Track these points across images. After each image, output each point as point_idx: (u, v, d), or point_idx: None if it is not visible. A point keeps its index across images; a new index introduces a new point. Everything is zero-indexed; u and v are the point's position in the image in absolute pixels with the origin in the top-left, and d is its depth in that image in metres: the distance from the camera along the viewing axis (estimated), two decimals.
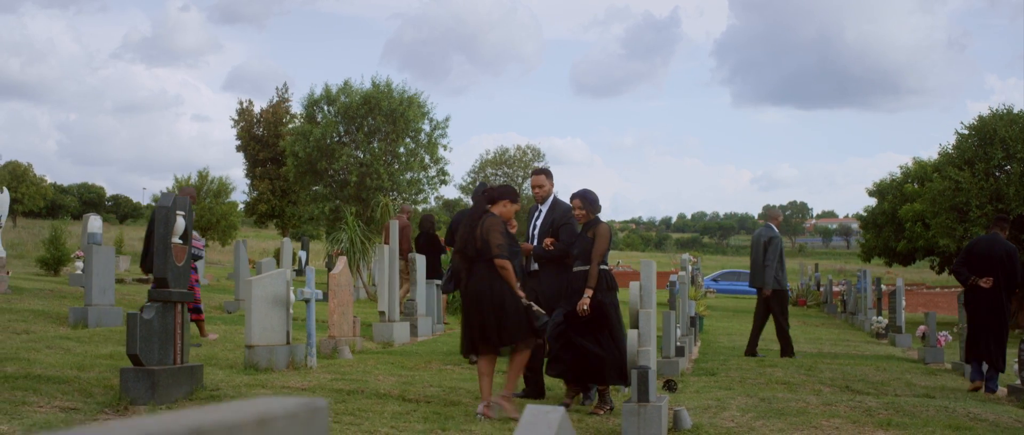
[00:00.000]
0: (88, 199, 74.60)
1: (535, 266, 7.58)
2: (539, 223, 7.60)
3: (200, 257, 10.90)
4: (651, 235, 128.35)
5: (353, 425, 6.10)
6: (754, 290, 12.24)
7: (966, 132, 18.90)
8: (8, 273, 14.58)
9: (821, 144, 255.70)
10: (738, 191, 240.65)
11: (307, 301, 8.63)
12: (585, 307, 6.83)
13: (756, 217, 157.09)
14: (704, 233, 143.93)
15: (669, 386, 8.67)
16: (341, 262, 9.97)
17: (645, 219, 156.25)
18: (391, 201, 19.15)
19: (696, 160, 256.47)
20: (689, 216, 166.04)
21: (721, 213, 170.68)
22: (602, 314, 6.98)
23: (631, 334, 6.36)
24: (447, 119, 25.60)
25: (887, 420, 7.20)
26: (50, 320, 11.55)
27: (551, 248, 7.35)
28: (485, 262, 6.48)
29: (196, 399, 6.85)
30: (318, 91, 25.22)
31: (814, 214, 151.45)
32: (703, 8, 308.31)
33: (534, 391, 7.67)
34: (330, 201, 24.07)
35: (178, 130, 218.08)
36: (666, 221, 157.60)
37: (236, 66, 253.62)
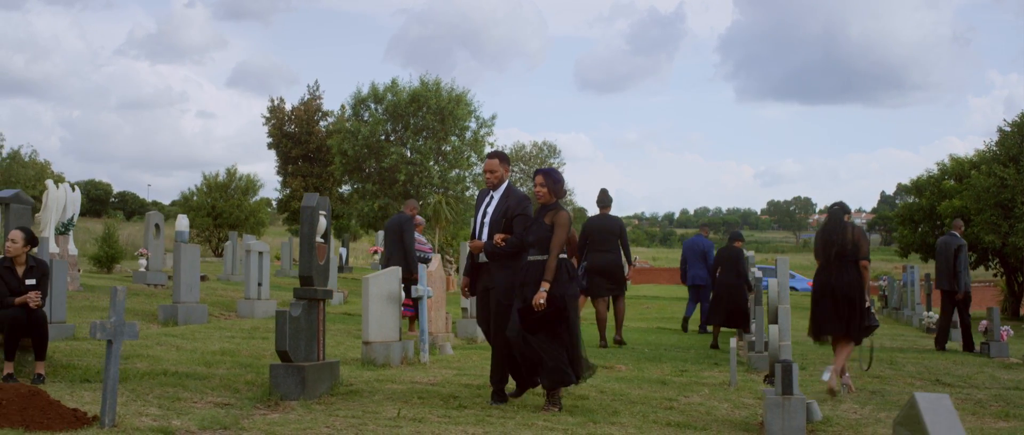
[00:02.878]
0: (95, 196, 74.64)
1: (483, 258, 6.97)
2: (490, 210, 6.97)
3: (428, 259, 11.22)
4: (655, 231, 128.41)
5: (507, 418, 6.27)
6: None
7: (1009, 129, 19.08)
8: (79, 271, 14.75)
9: (825, 139, 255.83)
10: (740, 187, 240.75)
11: (420, 298, 8.81)
12: (541, 301, 6.38)
13: (759, 213, 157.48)
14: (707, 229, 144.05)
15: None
16: (436, 260, 10.14)
17: (648, 215, 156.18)
18: (442, 198, 19.33)
19: (698, 156, 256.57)
20: (692, 212, 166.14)
21: (723, 209, 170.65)
22: (558, 310, 6.52)
23: (772, 329, 6.53)
24: (494, 117, 25.90)
25: (1003, 412, 7.40)
26: (137, 317, 11.72)
27: (503, 244, 6.76)
28: (852, 262, 8.04)
29: (336, 394, 7.03)
30: (365, 90, 25.48)
31: (817, 209, 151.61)
32: (708, 3, 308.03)
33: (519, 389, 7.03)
34: (378, 198, 24.23)
35: (182, 127, 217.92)
36: (669, 217, 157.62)
37: (240, 62, 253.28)
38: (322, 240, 7.08)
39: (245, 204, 33.53)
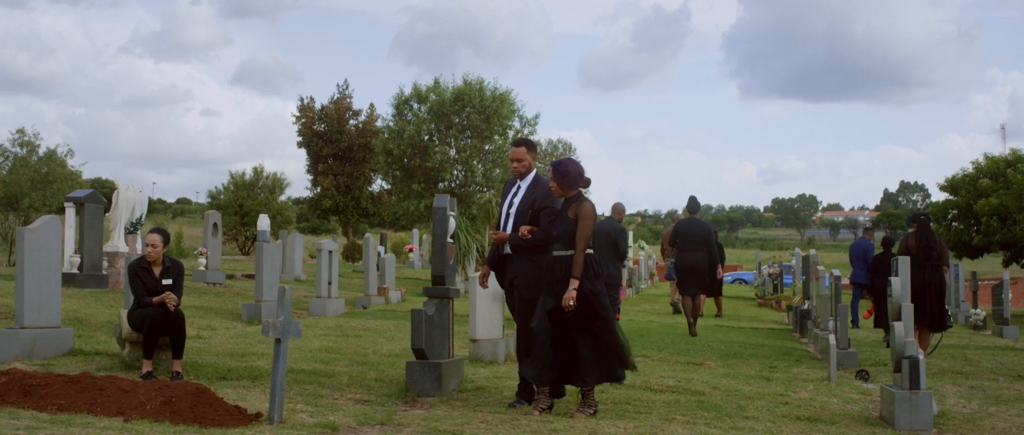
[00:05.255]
0: (102, 194, 74.67)
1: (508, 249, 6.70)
2: (516, 201, 6.72)
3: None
4: (659, 228, 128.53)
5: (648, 412, 6.46)
6: None
7: None
8: None
9: (828, 137, 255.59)
10: (742, 184, 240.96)
11: None
12: (571, 302, 6.11)
13: (762, 210, 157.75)
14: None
15: (862, 376, 9.07)
16: None
17: (651, 212, 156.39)
18: (493, 197, 19.52)
19: (699, 153, 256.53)
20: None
21: (726, 206, 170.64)
22: (589, 307, 6.21)
23: (897, 326, 6.71)
24: (536, 117, 26.13)
25: None
26: (219, 316, 11.90)
27: (529, 236, 6.49)
28: (938, 265, 10.24)
29: (465, 390, 7.22)
30: (407, 90, 25.73)
31: (822, 206, 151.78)
32: (713, 1, 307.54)
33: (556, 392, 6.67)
34: (424, 198, 24.44)
35: (186, 124, 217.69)
36: (672, 214, 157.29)
37: (244, 60, 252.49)
38: (451, 240, 7.26)
39: (272, 203, 33.73)
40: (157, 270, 7.31)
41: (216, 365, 7.71)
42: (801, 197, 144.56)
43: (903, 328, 6.69)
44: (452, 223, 7.28)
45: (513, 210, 6.71)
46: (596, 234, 12.30)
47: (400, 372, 7.76)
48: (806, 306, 13.97)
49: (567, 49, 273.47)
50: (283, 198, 35.66)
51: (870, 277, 13.78)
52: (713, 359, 10.04)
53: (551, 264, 6.34)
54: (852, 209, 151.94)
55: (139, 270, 7.25)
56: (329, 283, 13.34)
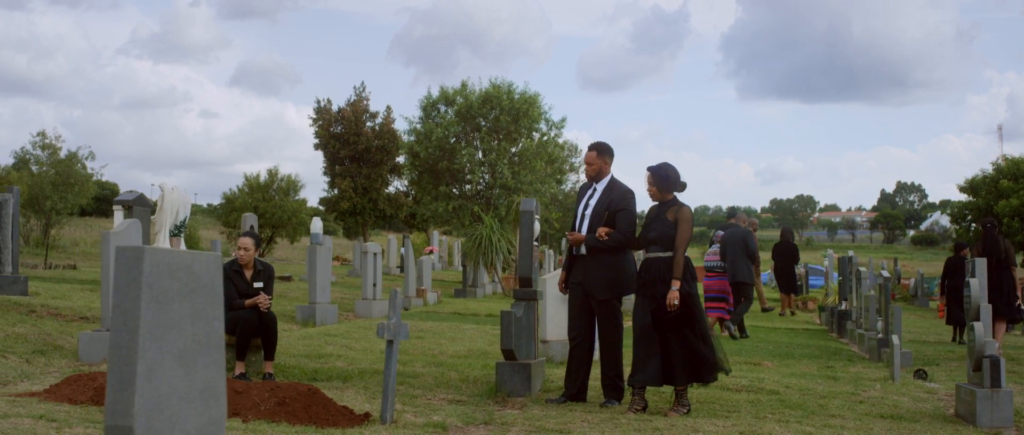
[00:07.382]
0: (101, 196, 74.60)
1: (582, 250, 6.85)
2: (593, 203, 6.84)
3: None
4: None
5: (734, 412, 6.63)
6: None
7: None
8: None
9: (826, 138, 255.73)
10: (739, 185, 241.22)
11: None
12: (675, 301, 6.27)
13: (759, 211, 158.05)
14: (711, 226, 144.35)
15: (920, 375, 9.25)
16: None
17: None
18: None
19: (697, 154, 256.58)
20: (691, 209, 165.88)
21: (723, 207, 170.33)
22: (687, 308, 6.35)
23: (976, 326, 6.88)
24: (563, 120, 26.34)
25: None
26: None
27: (606, 239, 6.64)
28: (1006, 267, 11.39)
29: (548, 390, 7.38)
30: (435, 92, 25.95)
31: (819, 207, 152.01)
32: (712, 2, 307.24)
33: (617, 395, 6.89)
34: (453, 200, 24.61)
35: (184, 126, 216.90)
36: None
37: (243, 61, 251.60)
38: (537, 243, 7.42)
39: (287, 205, 33.88)
40: (248, 273, 7.46)
41: (301, 367, 7.86)
42: (799, 198, 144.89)
43: (982, 328, 6.86)
44: (537, 227, 7.44)
45: (589, 212, 6.86)
46: (731, 242, 12.91)
47: (478, 372, 7.94)
48: (844, 307, 14.17)
49: (566, 50, 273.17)
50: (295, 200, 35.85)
51: (942, 278, 14.20)
52: (767, 359, 10.22)
53: (647, 265, 6.51)
54: (849, 210, 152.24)
55: (231, 273, 7.39)
56: (374, 285, 13.49)
